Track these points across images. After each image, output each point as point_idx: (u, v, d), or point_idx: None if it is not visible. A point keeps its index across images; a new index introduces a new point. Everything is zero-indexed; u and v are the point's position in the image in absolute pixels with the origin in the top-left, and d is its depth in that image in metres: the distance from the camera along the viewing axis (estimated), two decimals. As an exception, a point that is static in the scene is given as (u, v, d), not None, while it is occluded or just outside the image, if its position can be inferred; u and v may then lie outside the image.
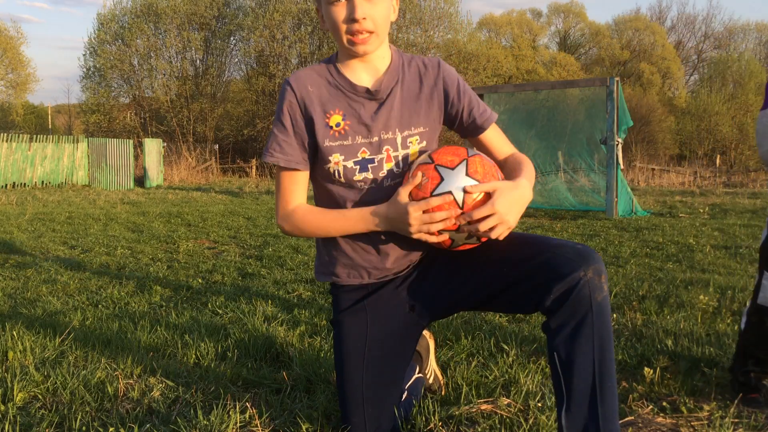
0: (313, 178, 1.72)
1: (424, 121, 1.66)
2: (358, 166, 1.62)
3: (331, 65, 1.65)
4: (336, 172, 1.62)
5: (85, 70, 27.57)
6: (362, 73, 1.63)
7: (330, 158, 1.61)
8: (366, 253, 1.68)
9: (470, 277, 1.60)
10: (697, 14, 63.40)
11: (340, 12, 1.53)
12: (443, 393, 2.12)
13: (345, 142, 1.61)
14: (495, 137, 1.74)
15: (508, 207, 1.46)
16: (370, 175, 1.62)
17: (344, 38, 1.55)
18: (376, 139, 1.62)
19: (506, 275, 1.53)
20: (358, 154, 1.61)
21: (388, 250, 1.67)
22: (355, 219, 1.62)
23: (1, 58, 34.22)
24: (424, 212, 1.50)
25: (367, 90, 1.62)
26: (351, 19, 1.51)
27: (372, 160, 1.62)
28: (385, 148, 1.62)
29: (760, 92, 33.00)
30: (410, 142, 1.64)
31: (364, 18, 1.51)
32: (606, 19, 58.34)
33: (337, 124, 1.61)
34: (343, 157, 1.61)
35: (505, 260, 1.53)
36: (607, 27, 43.79)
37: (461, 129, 1.73)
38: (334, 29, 1.56)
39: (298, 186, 1.68)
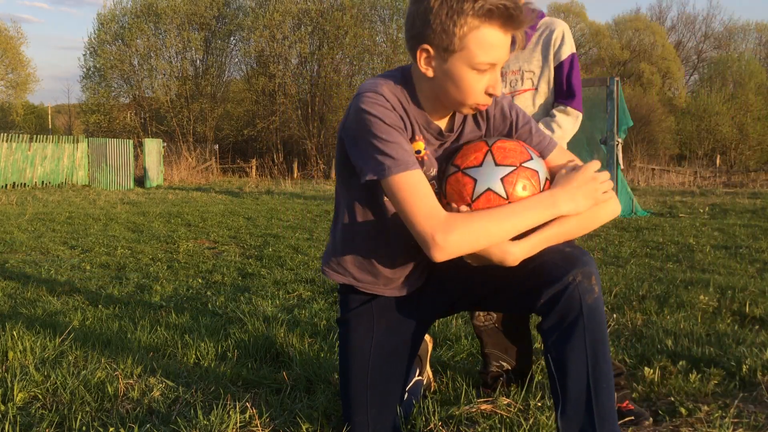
0: (356, 198, 1.62)
1: None
2: None
3: (408, 92, 1.54)
4: None
5: (85, 70, 27.63)
6: (435, 113, 1.58)
7: None
8: (390, 262, 1.66)
9: (468, 279, 1.64)
10: (697, 14, 63.36)
11: (481, 81, 1.44)
12: (433, 389, 2.16)
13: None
14: (556, 160, 1.62)
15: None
16: None
17: (470, 102, 1.47)
18: (434, 171, 1.59)
19: (500, 278, 1.54)
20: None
21: (410, 264, 1.67)
22: (531, 204, 1.45)
23: (1, 58, 34.19)
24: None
25: (440, 131, 1.58)
26: (490, 94, 1.47)
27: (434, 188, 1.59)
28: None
29: (760, 92, 33.03)
30: None
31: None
32: (606, 19, 58.25)
33: (418, 152, 1.56)
34: None
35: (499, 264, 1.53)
36: (607, 27, 43.71)
37: None
38: (463, 91, 1.45)
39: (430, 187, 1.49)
